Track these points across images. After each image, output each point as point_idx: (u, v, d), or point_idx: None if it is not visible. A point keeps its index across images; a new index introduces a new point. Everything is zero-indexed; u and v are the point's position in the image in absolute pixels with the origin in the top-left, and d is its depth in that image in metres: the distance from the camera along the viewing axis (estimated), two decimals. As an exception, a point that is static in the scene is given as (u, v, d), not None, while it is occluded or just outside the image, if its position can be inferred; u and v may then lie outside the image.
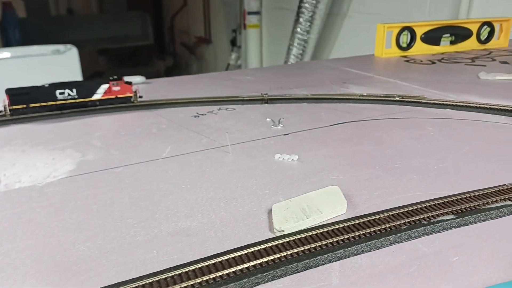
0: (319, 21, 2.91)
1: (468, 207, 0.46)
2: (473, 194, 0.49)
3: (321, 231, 0.42)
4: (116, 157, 0.64)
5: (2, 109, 0.81)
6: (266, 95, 0.94)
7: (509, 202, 0.47)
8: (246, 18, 3.92)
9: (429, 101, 0.86)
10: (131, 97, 0.87)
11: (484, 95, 0.92)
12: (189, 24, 5.55)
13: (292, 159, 0.61)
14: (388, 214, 0.45)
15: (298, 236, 0.41)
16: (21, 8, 4.89)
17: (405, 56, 1.42)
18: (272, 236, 0.43)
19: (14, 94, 0.79)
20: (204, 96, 0.93)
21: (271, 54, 3.98)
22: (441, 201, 0.47)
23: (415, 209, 0.46)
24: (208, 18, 5.03)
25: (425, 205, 0.47)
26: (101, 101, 0.85)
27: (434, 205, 0.47)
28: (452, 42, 1.51)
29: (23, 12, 4.96)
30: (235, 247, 0.41)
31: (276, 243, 0.40)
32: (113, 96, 0.85)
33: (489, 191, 0.49)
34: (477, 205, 0.46)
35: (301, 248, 0.39)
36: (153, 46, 5.84)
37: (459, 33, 1.50)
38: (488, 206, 0.46)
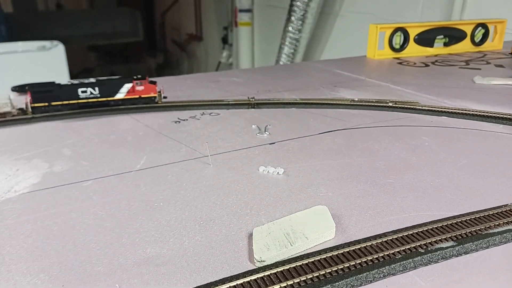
0: (311, 20, 2.87)
1: (469, 232, 0.42)
2: (474, 217, 0.44)
3: (306, 261, 0.37)
4: (85, 169, 0.58)
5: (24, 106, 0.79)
6: (253, 99, 0.89)
7: (512, 226, 0.43)
8: (238, 16, 3.86)
9: (423, 108, 0.82)
10: (155, 97, 0.84)
11: (480, 101, 0.88)
12: (180, 21, 5.48)
13: (278, 173, 0.56)
14: (381, 241, 0.40)
15: (280, 268, 0.36)
16: (8, 2, 4.78)
17: (398, 58, 1.38)
18: (252, 267, 0.38)
19: (36, 92, 0.77)
20: (186, 100, 0.88)
21: (262, 52, 3.93)
22: (439, 225, 0.43)
23: (411, 234, 0.41)
24: (199, 15, 4.97)
25: (421, 229, 0.42)
26: (124, 101, 0.82)
27: (431, 229, 0.42)
28: (445, 44, 1.47)
29: (10, 7, 4.84)
30: (209, 281, 0.36)
31: (255, 277, 0.35)
32: (137, 96, 0.82)
33: (490, 213, 0.45)
34: (479, 229, 0.42)
35: (283, 284, 0.35)
36: (143, 43, 5.75)
37: (453, 35, 1.46)
38: (490, 231, 0.42)
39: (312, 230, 0.42)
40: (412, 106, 0.82)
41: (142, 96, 0.83)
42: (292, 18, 2.87)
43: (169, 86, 1.03)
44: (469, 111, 0.79)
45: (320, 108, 0.86)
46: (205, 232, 0.43)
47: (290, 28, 2.92)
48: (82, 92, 0.80)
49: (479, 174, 0.56)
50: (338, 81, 1.08)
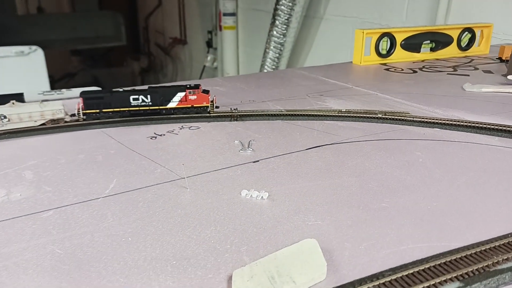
0: (296, 24, 2.84)
1: (476, 269, 0.37)
2: (479, 250, 0.40)
3: (293, 312, 0.32)
4: (47, 196, 0.52)
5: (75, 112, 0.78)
6: (236, 111, 0.84)
7: (523, 261, 0.38)
8: (222, 20, 3.81)
9: (414, 119, 0.78)
10: (207, 107, 0.81)
11: (472, 110, 0.85)
12: (164, 24, 5.41)
13: (262, 197, 0.51)
14: (378, 283, 0.36)
15: (263, 323, 0.31)
16: (-16, 6, 4.64)
17: (384, 64, 1.34)
18: (230, 321, 0.32)
19: (88, 98, 0.77)
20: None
21: (247, 56, 3.88)
22: (442, 261, 0.38)
23: (411, 273, 0.37)
24: (183, 19, 4.90)
25: (422, 267, 0.38)
26: (176, 110, 0.80)
27: (433, 266, 0.38)
28: (432, 49, 1.44)
29: (-13, 10, 4.70)
30: None
31: (233, 336, 0.30)
32: (189, 105, 0.80)
33: (496, 244, 0.41)
34: (486, 266, 0.38)
35: None
36: (127, 47, 5.66)
37: (440, 40, 1.44)
38: (499, 267, 0.38)
39: (301, 271, 0.36)
40: (402, 117, 0.78)
41: (195, 105, 0.81)
42: (277, 22, 2.83)
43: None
44: (462, 122, 0.76)
45: (307, 120, 0.82)
46: (177, 275, 0.38)
47: (274, 32, 2.88)
48: (134, 99, 0.78)
49: (479, 196, 0.52)
50: (325, 89, 1.04)
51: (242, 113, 0.83)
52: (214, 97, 0.83)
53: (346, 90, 1.03)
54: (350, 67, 1.32)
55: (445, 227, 0.45)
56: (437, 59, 1.42)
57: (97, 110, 0.78)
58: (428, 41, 1.43)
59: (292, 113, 0.83)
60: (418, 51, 1.42)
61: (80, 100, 0.77)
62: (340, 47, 2.58)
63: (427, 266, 0.37)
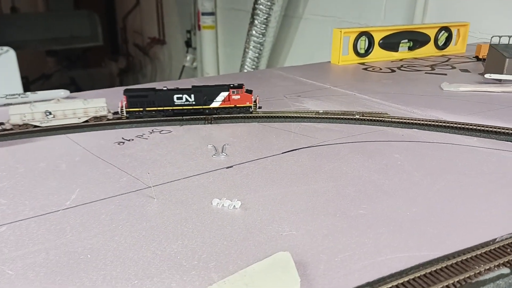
0: (275, 23, 2.82)
1: (457, 281, 0.35)
2: (460, 259, 0.38)
3: (263, 337, 0.30)
4: (1, 210, 0.48)
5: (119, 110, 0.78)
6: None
7: (505, 270, 0.37)
8: (201, 19, 3.77)
9: (393, 120, 0.76)
10: (250, 106, 0.80)
11: (450, 110, 0.84)
12: (142, 24, 5.32)
13: (234, 206, 0.48)
14: (355, 300, 0.33)
15: None
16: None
17: (363, 63, 1.33)
18: None
19: (132, 96, 0.76)
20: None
21: (227, 56, 3.85)
22: (422, 272, 0.36)
23: (390, 288, 0.34)
24: (161, 18, 4.83)
25: (401, 280, 0.35)
26: (219, 110, 0.79)
27: (413, 279, 0.35)
28: (410, 48, 1.44)
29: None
30: None
31: None
32: (232, 105, 0.79)
33: (478, 253, 0.39)
34: (468, 277, 0.36)
35: None
36: (104, 47, 5.54)
37: (417, 39, 1.44)
38: (481, 278, 0.36)
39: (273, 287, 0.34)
40: (380, 118, 0.76)
41: (238, 105, 0.79)
42: (256, 21, 2.81)
43: (117, 99, 0.93)
44: (441, 122, 0.74)
45: (284, 122, 0.79)
46: (138, 297, 0.35)
47: (253, 32, 2.85)
48: (178, 98, 0.77)
49: (459, 200, 0.50)
50: (302, 90, 1.01)
51: (217, 116, 0.80)
52: (257, 97, 0.81)
53: (324, 91, 1.01)
54: (328, 67, 1.30)
55: (425, 234, 0.43)
56: (415, 58, 1.42)
57: (141, 109, 0.76)
58: (406, 40, 1.43)
59: (268, 115, 0.80)
60: (396, 50, 1.42)
61: (124, 98, 0.76)
62: (320, 46, 2.58)
63: (406, 279, 0.35)
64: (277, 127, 0.77)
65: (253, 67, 2.99)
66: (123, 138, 0.70)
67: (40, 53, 5.41)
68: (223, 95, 0.78)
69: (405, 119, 0.76)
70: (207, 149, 0.66)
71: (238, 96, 0.79)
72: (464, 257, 0.38)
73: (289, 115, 0.80)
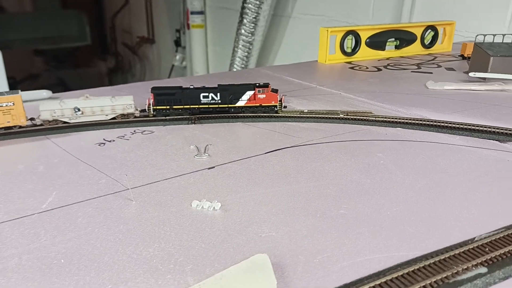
0: (264, 22, 2.81)
1: (434, 281, 0.35)
2: (438, 259, 0.38)
3: None
4: (-26, 214, 0.47)
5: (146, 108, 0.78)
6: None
7: (482, 269, 0.36)
8: (190, 18, 3.75)
9: (377, 118, 0.76)
10: (275, 106, 0.80)
11: (434, 108, 0.84)
12: (131, 23, 5.28)
13: (214, 208, 0.48)
14: (331, 302, 0.33)
15: None
16: None
17: (349, 62, 1.33)
18: None
19: (159, 94, 0.77)
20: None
21: (216, 55, 3.84)
22: (400, 273, 0.36)
23: (367, 289, 0.34)
24: (150, 17, 4.80)
25: (379, 281, 0.35)
26: (244, 109, 0.80)
27: (390, 280, 0.35)
28: (397, 47, 1.44)
29: None
30: None
31: None
32: (257, 104, 0.80)
33: (456, 252, 0.39)
34: (445, 277, 0.35)
35: None
36: (93, 47, 5.49)
37: (404, 37, 1.44)
38: (459, 278, 0.36)
39: (247, 292, 0.33)
40: (364, 117, 0.76)
41: (263, 104, 0.79)
42: (245, 20, 2.80)
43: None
44: (424, 121, 0.74)
45: (269, 122, 0.79)
46: (111, 303, 0.34)
47: (242, 31, 2.85)
48: (204, 97, 0.78)
49: (439, 198, 0.50)
50: (289, 89, 1.01)
51: (200, 116, 0.79)
52: (283, 96, 0.81)
53: (310, 90, 1.01)
54: (315, 66, 1.30)
55: (404, 234, 0.43)
56: (401, 57, 1.43)
57: (167, 107, 0.77)
58: (393, 39, 1.43)
59: (253, 114, 0.80)
60: (383, 49, 1.42)
61: (151, 96, 0.77)
62: (309, 45, 2.58)
63: (383, 280, 0.35)
64: (261, 126, 0.76)
65: (243, 66, 2.99)
66: (104, 139, 0.69)
67: (27, 53, 5.34)
68: (248, 94, 0.79)
69: (389, 118, 0.76)
70: (189, 150, 0.65)
71: (264, 95, 0.79)
72: (442, 257, 0.38)
73: (274, 114, 0.80)
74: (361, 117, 0.76)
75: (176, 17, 4.21)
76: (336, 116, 0.78)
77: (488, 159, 0.61)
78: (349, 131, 0.72)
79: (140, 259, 0.39)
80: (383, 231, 0.44)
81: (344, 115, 0.78)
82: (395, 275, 0.36)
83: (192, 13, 3.73)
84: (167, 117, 0.78)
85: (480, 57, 1.09)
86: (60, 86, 5.13)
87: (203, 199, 0.49)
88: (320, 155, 0.63)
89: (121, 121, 0.75)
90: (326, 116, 0.78)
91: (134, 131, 0.73)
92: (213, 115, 0.79)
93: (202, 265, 0.38)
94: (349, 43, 1.35)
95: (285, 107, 0.81)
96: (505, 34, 1.24)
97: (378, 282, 0.35)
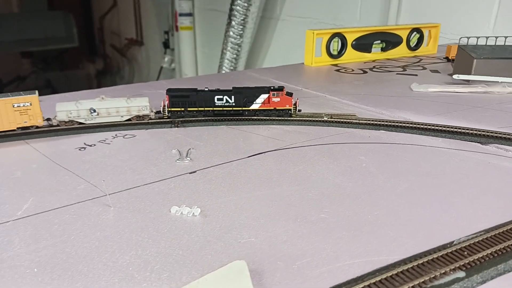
0: (252, 24, 2.81)
1: (412, 286, 0.35)
2: (417, 264, 0.38)
3: None
4: None
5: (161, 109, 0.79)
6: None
7: (460, 274, 0.36)
8: (178, 20, 3.73)
9: (360, 121, 0.76)
10: (290, 109, 0.79)
11: (418, 111, 0.85)
12: (120, 25, 5.24)
13: (193, 214, 0.47)
14: (308, 309, 0.32)
15: None
16: None
17: (336, 65, 1.33)
18: None
19: (174, 96, 0.78)
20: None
21: (206, 57, 3.82)
22: (378, 278, 0.36)
23: (344, 295, 0.34)
24: (139, 19, 4.77)
25: (357, 287, 0.35)
26: (258, 112, 0.79)
27: (368, 286, 0.35)
28: (383, 49, 1.45)
29: None
30: None
31: None
32: (271, 108, 0.79)
33: (435, 256, 0.39)
34: (423, 282, 0.35)
35: None
36: (81, 49, 5.44)
37: (390, 40, 1.45)
38: (436, 283, 0.35)
39: (223, 300, 0.33)
40: (348, 120, 0.76)
41: (277, 108, 0.79)
42: (233, 22, 2.80)
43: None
44: (407, 123, 0.75)
45: (253, 125, 0.78)
46: (83, 313, 0.33)
47: (231, 33, 2.84)
48: (218, 99, 0.78)
49: (420, 202, 0.50)
50: (274, 92, 1.00)
51: (184, 119, 0.78)
52: (297, 100, 0.81)
53: (296, 93, 1.00)
54: (301, 69, 1.30)
55: (384, 238, 0.43)
56: (387, 59, 1.43)
57: (182, 109, 0.78)
58: (379, 41, 1.44)
59: (237, 118, 0.79)
60: (369, 51, 1.43)
61: (166, 97, 0.77)
62: (297, 47, 2.58)
63: (361, 285, 0.35)
64: (245, 130, 0.76)
65: (231, 68, 2.98)
66: (85, 144, 0.68)
67: (14, 55, 5.27)
68: (263, 97, 0.79)
69: (372, 120, 0.76)
70: (171, 154, 0.64)
71: (278, 99, 0.79)
72: (420, 261, 0.38)
73: (258, 118, 0.79)
74: (345, 120, 0.76)
75: (164, 19, 4.19)
76: (320, 119, 0.77)
77: (470, 162, 0.61)
78: (332, 134, 0.72)
79: (115, 267, 0.38)
80: (363, 235, 0.43)
81: (328, 118, 0.78)
82: (373, 280, 0.35)
83: (181, 15, 3.72)
84: (180, 119, 0.78)
85: (464, 59, 1.10)
86: (47, 88, 5.07)
87: (183, 204, 0.48)
88: (303, 159, 0.62)
89: (102, 124, 0.74)
90: (310, 119, 0.78)
91: (116, 135, 0.72)
92: (231, 117, 0.79)
93: (179, 273, 0.38)
94: (335, 45, 1.36)
95: (299, 110, 0.81)
96: (488, 37, 1.26)
97: (356, 287, 0.35)
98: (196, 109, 0.78)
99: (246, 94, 0.79)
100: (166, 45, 4.22)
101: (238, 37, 2.84)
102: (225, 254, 0.40)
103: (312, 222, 0.46)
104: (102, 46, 5.84)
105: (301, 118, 0.78)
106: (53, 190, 0.53)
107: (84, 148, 0.66)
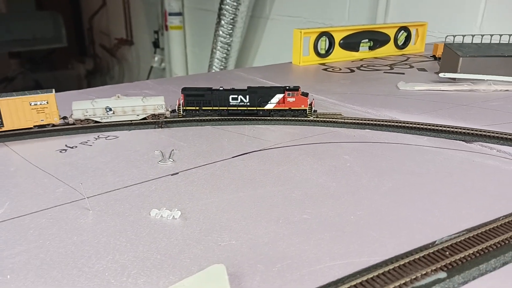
0: (242, 23, 2.80)
1: (392, 288, 0.34)
2: (398, 265, 0.37)
3: None
4: None
5: (176, 108, 0.80)
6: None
7: (442, 274, 0.36)
8: (168, 19, 3.71)
9: (345, 120, 0.76)
10: (305, 110, 0.78)
11: (404, 109, 0.84)
12: (109, 25, 5.20)
13: (173, 216, 0.46)
14: (286, 313, 0.32)
15: None
16: None
17: (323, 64, 1.33)
18: None
19: (189, 95, 0.78)
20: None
21: (195, 57, 3.81)
22: (358, 281, 0.35)
23: (324, 298, 0.33)
24: (128, 19, 4.74)
25: (337, 290, 0.34)
26: (273, 112, 0.79)
27: (348, 288, 0.34)
28: (370, 48, 1.45)
29: None
30: None
31: None
32: (286, 108, 0.78)
33: (416, 257, 0.38)
34: (404, 283, 0.35)
35: None
36: (70, 49, 5.38)
37: (377, 38, 1.45)
38: (417, 284, 0.35)
39: (200, 306, 0.32)
40: (333, 119, 0.76)
41: (292, 108, 0.78)
42: (222, 21, 2.79)
43: (64, 104, 0.89)
44: (392, 122, 0.75)
45: (238, 125, 0.77)
46: (55, 321, 0.32)
47: (220, 32, 2.83)
48: (233, 99, 0.78)
49: (404, 201, 0.50)
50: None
51: (168, 119, 0.77)
52: (313, 100, 0.80)
53: (282, 92, 1.00)
54: (289, 68, 1.29)
55: (366, 239, 0.42)
56: (375, 58, 1.44)
57: (197, 108, 0.78)
58: (366, 40, 1.44)
59: (222, 118, 0.79)
60: (357, 50, 1.43)
61: (181, 96, 0.77)
62: (287, 46, 2.57)
63: (341, 288, 0.34)
64: (230, 130, 0.75)
65: (222, 67, 2.97)
66: (66, 146, 0.67)
67: (2, 56, 5.20)
68: (278, 97, 0.78)
69: (358, 119, 0.76)
70: (153, 155, 0.63)
71: (293, 99, 0.78)
72: (402, 262, 0.37)
73: (244, 117, 0.79)
74: (331, 119, 0.76)
75: (154, 19, 4.17)
76: (305, 119, 0.77)
77: (454, 160, 0.61)
78: (318, 134, 0.72)
79: (91, 273, 0.37)
80: (345, 236, 0.43)
81: (314, 117, 0.77)
82: (353, 282, 0.35)
83: (170, 14, 3.70)
84: (194, 117, 0.78)
85: (450, 57, 1.11)
86: (36, 89, 5.01)
87: (163, 207, 0.48)
88: (288, 159, 0.62)
89: (85, 126, 0.73)
90: (296, 118, 0.77)
91: (98, 136, 0.71)
92: (246, 117, 0.79)
93: (156, 278, 0.37)
94: (323, 44, 1.35)
95: (315, 111, 0.80)
96: (474, 35, 1.26)
97: (335, 290, 0.34)
98: (211, 108, 0.78)
99: (261, 94, 0.78)
100: (156, 44, 4.19)
101: (228, 36, 2.83)
102: (204, 258, 0.39)
103: (294, 223, 0.45)
104: (92, 46, 5.79)
105: (286, 118, 0.78)
106: (30, 194, 0.51)
107: (65, 150, 0.65)
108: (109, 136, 0.71)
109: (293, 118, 0.78)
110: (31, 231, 0.44)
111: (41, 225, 0.45)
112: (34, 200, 0.50)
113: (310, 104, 0.79)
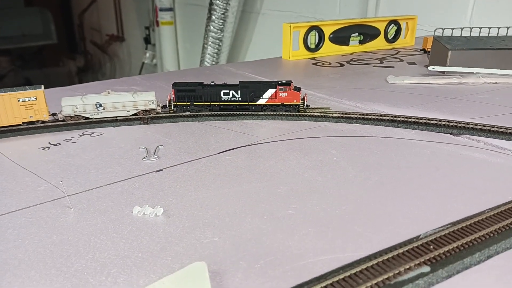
0: (232, 19, 2.78)
1: (375, 283, 0.34)
2: (382, 259, 0.37)
3: None
4: None
5: (166, 104, 0.80)
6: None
7: (425, 268, 0.36)
8: (159, 15, 3.68)
9: (333, 115, 0.75)
10: (298, 105, 0.77)
11: (393, 103, 0.84)
12: (100, 21, 5.15)
13: (156, 214, 0.45)
14: (267, 311, 0.31)
15: None
16: None
17: (313, 58, 1.32)
18: None
19: (180, 90, 0.77)
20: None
21: (187, 52, 3.78)
22: (341, 276, 0.35)
23: (306, 295, 0.33)
24: (119, 15, 4.69)
25: (319, 286, 0.34)
26: (265, 107, 0.78)
27: (331, 284, 0.34)
28: (360, 42, 1.45)
29: None
30: None
31: None
32: (279, 103, 0.78)
33: (400, 251, 0.38)
34: (387, 278, 0.34)
35: None
36: (60, 46, 5.32)
37: (367, 32, 1.45)
38: (400, 279, 0.35)
39: (179, 304, 0.31)
40: (321, 114, 0.75)
41: (285, 103, 0.77)
42: (213, 17, 2.77)
43: (49, 101, 0.88)
44: (380, 116, 0.74)
45: (226, 120, 0.77)
46: (30, 323, 0.31)
47: (211, 27, 2.81)
48: (225, 94, 0.77)
49: (390, 195, 0.49)
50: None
51: (154, 116, 0.76)
52: (305, 95, 0.79)
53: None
54: (279, 63, 1.28)
55: (351, 234, 0.42)
56: (365, 52, 1.43)
57: (188, 103, 0.77)
58: (356, 34, 1.43)
59: (209, 113, 0.78)
60: (347, 44, 1.42)
61: (172, 91, 0.77)
62: (278, 41, 2.56)
63: (323, 284, 0.34)
64: (218, 125, 0.74)
65: (213, 62, 2.95)
66: (49, 143, 0.65)
67: (-10, 53, 5.14)
68: (270, 92, 0.77)
69: (345, 113, 0.75)
70: (138, 152, 0.62)
71: (286, 94, 0.77)
72: (385, 257, 0.37)
73: (231, 113, 0.78)
74: (318, 114, 0.75)
75: (145, 14, 4.13)
76: (293, 113, 0.76)
77: (441, 153, 0.61)
78: (305, 128, 0.71)
79: (70, 272, 0.37)
80: (329, 231, 0.42)
81: (302, 112, 0.77)
82: (336, 278, 0.34)
83: (161, 9, 3.66)
84: (185, 113, 0.77)
85: (439, 51, 1.10)
86: (27, 86, 4.96)
87: (145, 204, 0.47)
88: (274, 154, 0.61)
89: (69, 123, 0.72)
90: (284, 113, 0.77)
91: (83, 133, 0.69)
92: (238, 112, 0.78)
93: (136, 276, 0.36)
94: (313, 38, 1.34)
95: (307, 106, 0.79)
96: (463, 28, 1.26)
97: (318, 286, 0.34)
98: (202, 103, 0.77)
99: (253, 89, 0.77)
100: (147, 40, 4.16)
101: (219, 31, 2.81)
102: (186, 256, 0.39)
103: (279, 218, 0.45)
104: (83, 43, 5.73)
105: (273, 113, 0.77)
106: (11, 193, 0.50)
107: (49, 147, 0.64)
108: (93, 133, 0.70)
109: (281, 113, 0.77)
110: (10, 230, 0.43)
111: (20, 224, 0.44)
112: (14, 198, 0.49)
113: (303, 99, 0.78)
